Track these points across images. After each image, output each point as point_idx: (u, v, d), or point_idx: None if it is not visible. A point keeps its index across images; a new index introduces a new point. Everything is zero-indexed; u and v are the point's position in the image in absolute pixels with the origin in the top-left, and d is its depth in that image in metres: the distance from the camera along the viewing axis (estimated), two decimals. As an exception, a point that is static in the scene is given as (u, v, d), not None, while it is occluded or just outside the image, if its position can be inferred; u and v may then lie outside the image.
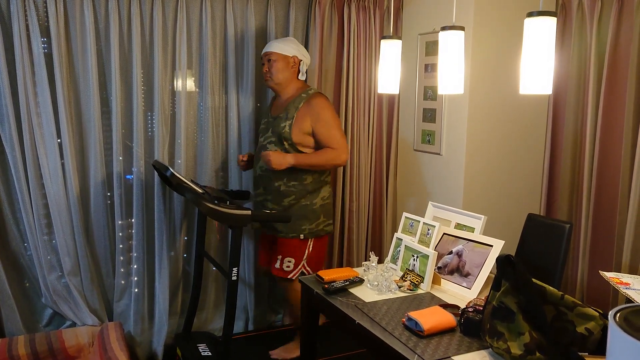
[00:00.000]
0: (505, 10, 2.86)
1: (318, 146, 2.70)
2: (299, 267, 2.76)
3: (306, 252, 2.76)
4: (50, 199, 2.66)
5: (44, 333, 2.65)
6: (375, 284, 2.10)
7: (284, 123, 2.67)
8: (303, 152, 2.68)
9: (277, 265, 2.78)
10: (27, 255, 2.74)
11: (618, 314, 0.99)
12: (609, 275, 1.78)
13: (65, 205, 2.69)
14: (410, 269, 2.19)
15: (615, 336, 0.95)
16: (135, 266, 2.92)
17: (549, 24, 1.50)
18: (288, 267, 2.75)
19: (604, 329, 1.50)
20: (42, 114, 2.60)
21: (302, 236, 2.72)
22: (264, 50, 2.76)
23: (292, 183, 2.68)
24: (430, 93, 3.12)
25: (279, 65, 2.70)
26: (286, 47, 2.71)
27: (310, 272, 2.79)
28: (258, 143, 2.85)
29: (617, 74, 2.57)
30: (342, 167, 3.25)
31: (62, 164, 2.68)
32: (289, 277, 2.76)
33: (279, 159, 2.59)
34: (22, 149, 2.59)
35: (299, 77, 2.77)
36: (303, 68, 2.77)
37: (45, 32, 2.58)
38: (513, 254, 1.88)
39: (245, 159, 2.87)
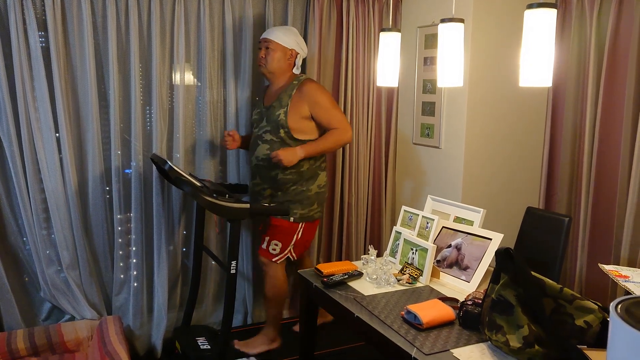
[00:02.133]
0: (505, 2, 2.85)
1: (320, 130, 2.72)
2: (285, 252, 2.76)
3: (295, 237, 2.75)
4: (49, 193, 2.65)
5: (42, 327, 2.65)
6: (374, 278, 2.11)
7: (279, 111, 2.66)
8: (299, 139, 2.67)
9: (264, 245, 2.77)
10: (26, 249, 2.74)
11: (619, 305, 0.99)
12: (608, 268, 1.78)
13: (63, 199, 2.69)
14: (409, 262, 2.19)
15: (617, 327, 0.95)
16: (134, 260, 2.91)
17: (549, 15, 1.50)
18: (274, 250, 2.75)
19: (603, 322, 1.50)
20: (39, 108, 2.58)
21: (292, 219, 2.71)
22: (264, 36, 2.73)
23: (290, 171, 2.67)
24: (429, 86, 3.11)
25: (276, 55, 2.68)
26: (287, 39, 2.69)
27: (295, 257, 2.79)
28: (252, 133, 2.84)
29: (616, 67, 2.56)
30: (340, 161, 3.24)
31: (60, 158, 2.67)
32: (273, 260, 2.75)
33: (289, 156, 2.58)
34: (20, 143, 2.58)
35: (293, 70, 2.76)
36: (299, 62, 2.76)
37: (43, 25, 2.56)
38: (512, 247, 1.88)
39: (232, 134, 2.80)
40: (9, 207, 2.66)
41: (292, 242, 2.76)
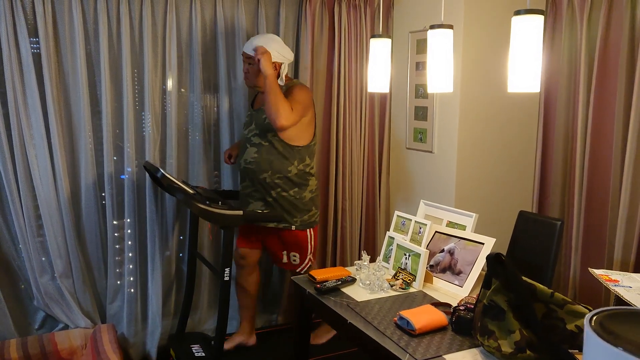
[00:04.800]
0: (496, 8, 2.86)
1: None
2: (306, 260, 2.81)
3: (309, 245, 2.80)
4: (41, 200, 2.64)
5: (36, 336, 2.64)
6: (367, 283, 2.10)
7: (265, 115, 2.64)
8: (287, 144, 2.67)
9: (285, 260, 2.83)
10: (19, 257, 2.72)
11: (594, 318, 0.99)
12: (598, 272, 1.78)
13: (55, 206, 2.68)
14: (402, 267, 2.19)
15: (591, 341, 0.95)
16: (129, 266, 2.90)
17: (537, 22, 1.50)
18: (295, 260, 2.80)
19: (594, 326, 1.50)
20: (31, 115, 2.58)
21: (293, 227, 2.73)
22: (243, 50, 2.69)
23: (277, 175, 2.67)
24: (421, 91, 3.12)
25: (258, 70, 2.63)
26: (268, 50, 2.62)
27: (314, 262, 2.87)
28: (242, 136, 2.83)
29: (607, 71, 2.58)
30: (334, 166, 3.24)
31: (53, 165, 2.66)
32: (298, 270, 2.81)
33: (266, 62, 2.55)
34: (12, 150, 2.57)
35: (277, 81, 2.62)
36: (283, 72, 2.68)
37: (34, 31, 2.56)
38: (505, 251, 1.88)
39: (231, 153, 2.93)
40: (1, 214, 2.65)
41: (309, 250, 2.81)
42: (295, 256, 2.80)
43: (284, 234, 2.75)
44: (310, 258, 2.82)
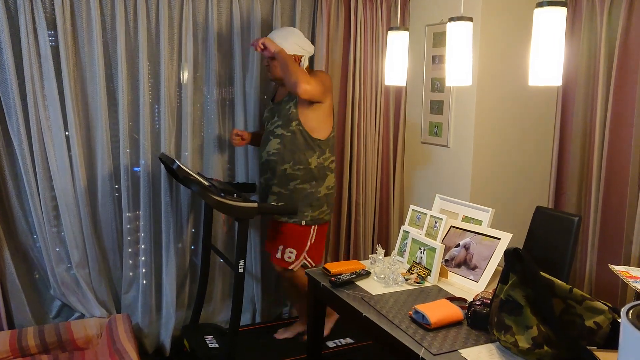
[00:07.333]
0: (514, 0, 2.83)
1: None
2: (301, 258, 2.75)
3: (309, 242, 2.75)
4: (58, 191, 2.67)
5: (53, 324, 2.67)
6: (382, 277, 2.10)
7: (289, 104, 2.66)
8: (310, 135, 2.67)
9: (278, 255, 2.76)
10: (36, 247, 2.76)
11: (631, 311, 0.97)
12: (618, 268, 1.76)
13: (72, 197, 2.70)
14: (417, 261, 2.18)
15: (628, 334, 0.94)
16: (142, 258, 2.93)
17: (559, 14, 1.48)
18: (289, 257, 2.74)
19: (613, 323, 1.49)
20: (49, 107, 2.60)
21: (303, 222, 2.71)
22: None
23: (298, 167, 2.68)
24: (437, 85, 3.09)
25: (278, 64, 2.64)
26: (287, 45, 2.64)
27: (312, 262, 2.79)
28: (265, 130, 2.83)
29: (627, 65, 2.54)
30: (349, 159, 3.24)
31: (70, 157, 2.69)
32: (290, 267, 2.75)
33: (270, 44, 2.59)
34: (30, 142, 2.60)
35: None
36: (304, 63, 2.72)
37: (52, 25, 2.58)
38: (521, 247, 1.86)
39: (241, 133, 2.85)
40: (19, 205, 2.68)
41: (306, 248, 2.75)
42: (291, 252, 2.73)
43: (289, 227, 2.73)
44: (305, 256, 2.76)
